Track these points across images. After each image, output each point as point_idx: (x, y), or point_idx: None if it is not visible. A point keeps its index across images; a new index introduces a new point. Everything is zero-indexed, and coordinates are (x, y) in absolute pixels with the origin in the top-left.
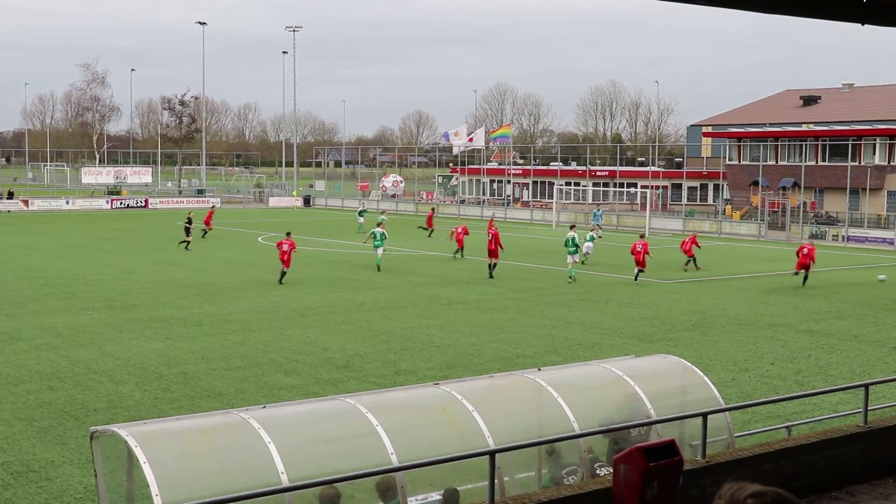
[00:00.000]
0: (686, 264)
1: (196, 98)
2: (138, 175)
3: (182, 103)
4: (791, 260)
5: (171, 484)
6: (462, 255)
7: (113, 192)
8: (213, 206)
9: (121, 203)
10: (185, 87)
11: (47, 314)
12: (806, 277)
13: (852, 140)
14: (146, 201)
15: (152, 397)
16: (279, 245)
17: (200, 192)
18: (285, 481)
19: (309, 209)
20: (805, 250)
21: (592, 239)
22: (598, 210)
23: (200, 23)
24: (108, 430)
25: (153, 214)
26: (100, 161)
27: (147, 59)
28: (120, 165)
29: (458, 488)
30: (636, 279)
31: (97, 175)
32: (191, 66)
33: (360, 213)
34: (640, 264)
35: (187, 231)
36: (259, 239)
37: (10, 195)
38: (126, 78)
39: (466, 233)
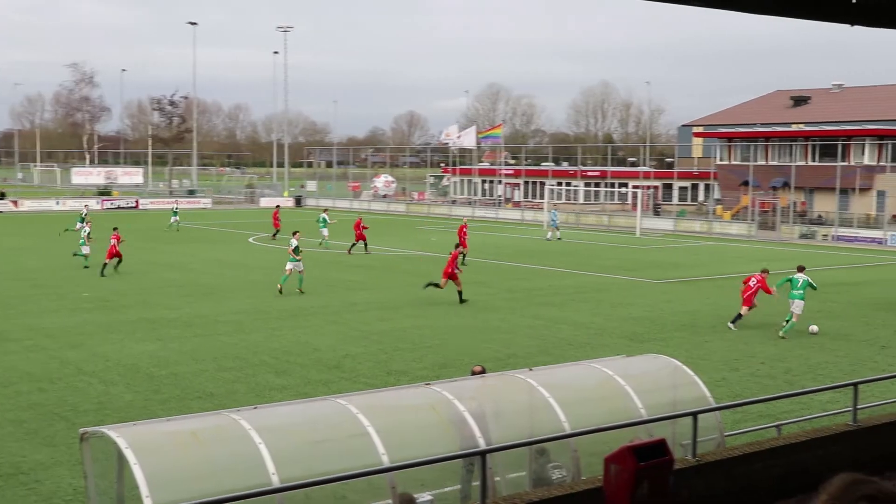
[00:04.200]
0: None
1: (186, 98)
2: (129, 176)
3: (172, 104)
4: (780, 259)
5: (161, 485)
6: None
7: (103, 192)
8: (278, 206)
9: (111, 204)
10: (174, 87)
11: (38, 315)
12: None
13: (842, 140)
14: (137, 202)
15: (143, 398)
16: (357, 224)
17: (191, 193)
18: (276, 482)
19: (300, 209)
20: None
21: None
22: (555, 210)
23: (191, 23)
24: (99, 432)
25: (144, 215)
26: (90, 162)
27: (137, 60)
28: (110, 166)
29: (429, 494)
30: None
31: (87, 176)
32: (181, 66)
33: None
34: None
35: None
36: (250, 239)
37: (1, 196)
38: (116, 78)
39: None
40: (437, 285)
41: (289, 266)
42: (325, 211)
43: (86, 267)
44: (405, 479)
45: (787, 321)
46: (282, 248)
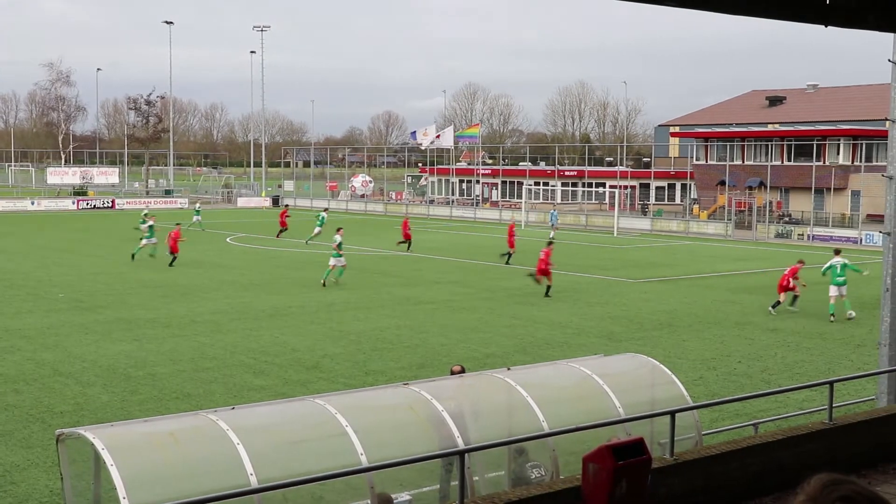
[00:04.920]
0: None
1: (162, 98)
2: (105, 175)
3: (148, 103)
4: (756, 258)
5: (138, 486)
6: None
7: (79, 192)
8: (286, 206)
9: (87, 204)
10: (151, 86)
11: (13, 316)
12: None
13: (817, 140)
14: (113, 202)
15: (120, 399)
16: (405, 224)
17: (168, 193)
18: (254, 483)
19: (277, 209)
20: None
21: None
22: (555, 210)
23: (167, 22)
24: (75, 433)
25: (120, 215)
26: (65, 161)
27: (113, 59)
28: (86, 166)
29: (408, 494)
30: (793, 304)
31: (63, 175)
32: (158, 65)
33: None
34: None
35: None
36: (228, 239)
37: None
38: (92, 78)
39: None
40: (534, 279)
41: (332, 262)
42: (325, 210)
43: (151, 255)
44: (384, 479)
45: (833, 305)
46: (260, 249)
